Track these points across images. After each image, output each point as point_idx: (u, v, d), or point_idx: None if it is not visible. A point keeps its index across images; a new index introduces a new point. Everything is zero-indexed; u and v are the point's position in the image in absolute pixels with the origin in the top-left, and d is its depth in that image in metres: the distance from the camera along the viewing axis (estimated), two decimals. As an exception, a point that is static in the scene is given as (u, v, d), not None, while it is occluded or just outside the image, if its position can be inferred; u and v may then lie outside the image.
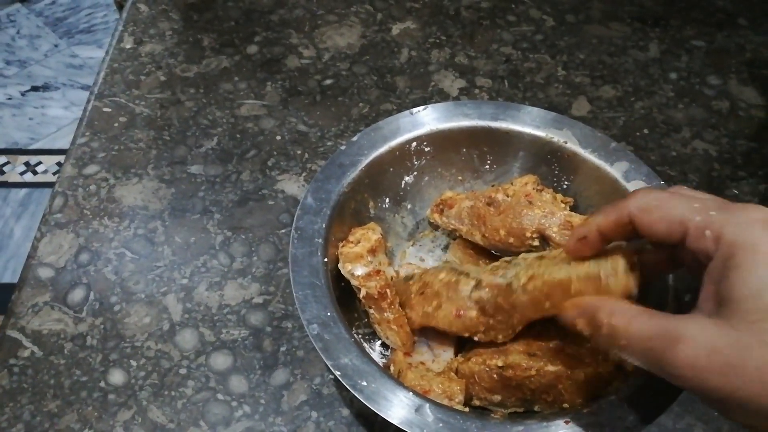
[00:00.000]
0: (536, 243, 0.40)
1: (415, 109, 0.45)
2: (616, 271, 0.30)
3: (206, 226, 0.49)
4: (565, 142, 0.44)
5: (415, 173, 0.46)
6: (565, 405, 0.36)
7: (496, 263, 0.37)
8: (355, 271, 0.38)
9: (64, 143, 1.56)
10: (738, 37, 0.64)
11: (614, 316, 0.27)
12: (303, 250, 0.38)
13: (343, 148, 0.43)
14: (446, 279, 0.38)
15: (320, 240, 0.38)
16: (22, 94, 1.65)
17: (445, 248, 0.47)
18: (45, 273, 0.45)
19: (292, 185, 0.51)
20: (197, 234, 0.48)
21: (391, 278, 0.40)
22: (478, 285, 0.36)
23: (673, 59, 0.62)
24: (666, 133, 0.56)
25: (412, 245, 0.47)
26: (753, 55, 0.62)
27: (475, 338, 0.37)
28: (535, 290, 0.33)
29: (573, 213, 0.42)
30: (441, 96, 0.59)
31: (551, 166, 0.45)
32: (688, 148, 0.54)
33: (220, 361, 0.42)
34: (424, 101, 0.58)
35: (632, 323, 0.26)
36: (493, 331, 0.36)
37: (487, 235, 0.42)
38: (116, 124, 0.55)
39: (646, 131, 0.56)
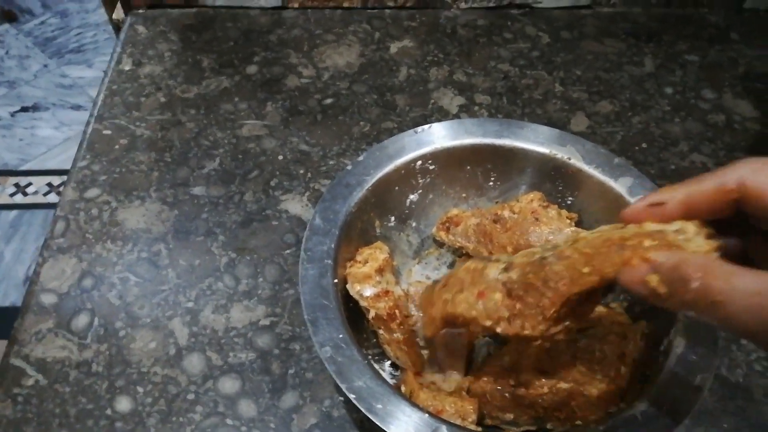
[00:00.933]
0: (544, 260, 0.40)
1: (419, 128, 0.45)
2: (686, 233, 0.24)
3: (210, 248, 0.48)
4: (569, 159, 0.44)
5: (420, 191, 0.46)
6: (578, 422, 0.36)
7: (531, 249, 0.32)
8: (364, 291, 0.38)
9: (54, 164, 1.55)
10: (731, 51, 0.65)
11: (708, 271, 0.23)
12: (313, 272, 0.37)
13: (349, 167, 0.43)
14: (473, 266, 0.34)
15: (329, 261, 0.38)
16: (12, 115, 1.64)
17: (451, 266, 0.47)
18: (48, 299, 0.45)
19: (295, 205, 0.51)
20: (202, 256, 0.48)
21: (399, 297, 0.40)
22: (508, 267, 0.32)
23: (668, 74, 0.63)
24: (664, 146, 0.56)
25: (417, 263, 0.47)
26: (746, 68, 0.63)
27: (498, 329, 0.32)
28: (575, 252, 0.28)
29: (579, 229, 0.43)
30: (441, 113, 0.59)
31: (555, 182, 0.45)
32: (687, 162, 0.55)
33: (228, 385, 0.41)
34: (425, 119, 0.58)
35: (733, 279, 0.23)
36: (519, 319, 0.31)
37: (494, 252, 0.42)
38: (117, 147, 0.55)
39: (644, 145, 0.56)
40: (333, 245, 0.39)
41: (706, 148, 0.56)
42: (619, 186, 0.43)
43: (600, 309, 0.40)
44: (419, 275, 0.47)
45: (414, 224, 0.47)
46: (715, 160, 0.55)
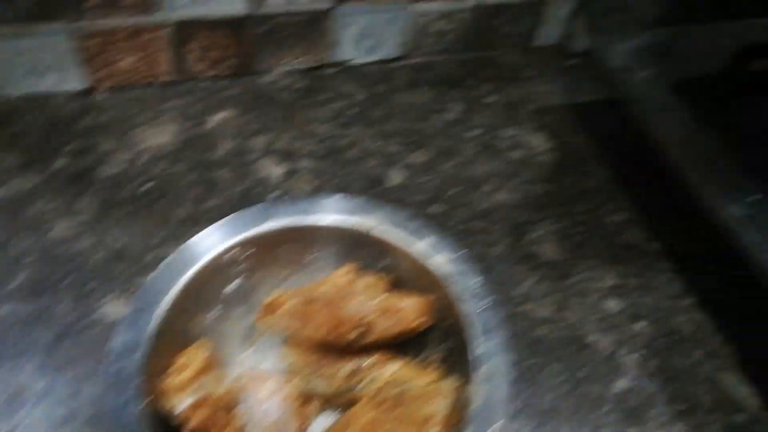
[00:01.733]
0: (354, 335, 0.42)
1: (222, 221, 0.45)
2: None
3: (21, 375, 0.45)
4: (374, 227, 0.47)
5: (238, 279, 0.46)
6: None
7: None
8: (179, 406, 0.38)
9: None
10: (524, 89, 0.72)
11: None
12: (118, 401, 0.36)
13: (154, 274, 0.42)
14: None
15: (138, 381, 0.38)
16: None
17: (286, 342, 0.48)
18: None
19: (116, 308, 0.50)
20: (13, 386, 0.45)
21: (219, 400, 0.40)
22: None
23: (473, 117, 0.68)
24: (473, 189, 0.61)
25: (250, 347, 0.48)
26: (538, 104, 0.70)
27: None
28: None
29: (391, 294, 0.45)
30: (264, 185, 0.60)
31: (365, 249, 0.48)
32: (492, 201, 0.60)
33: None
34: (249, 192, 0.59)
35: None
36: None
37: (313, 332, 0.44)
38: None
39: (456, 190, 0.61)
40: (143, 361, 0.39)
41: (509, 185, 0.62)
42: (424, 245, 0.46)
43: (414, 370, 0.43)
44: (252, 360, 0.47)
45: (239, 310, 0.47)
46: (520, 194, 0.61)
